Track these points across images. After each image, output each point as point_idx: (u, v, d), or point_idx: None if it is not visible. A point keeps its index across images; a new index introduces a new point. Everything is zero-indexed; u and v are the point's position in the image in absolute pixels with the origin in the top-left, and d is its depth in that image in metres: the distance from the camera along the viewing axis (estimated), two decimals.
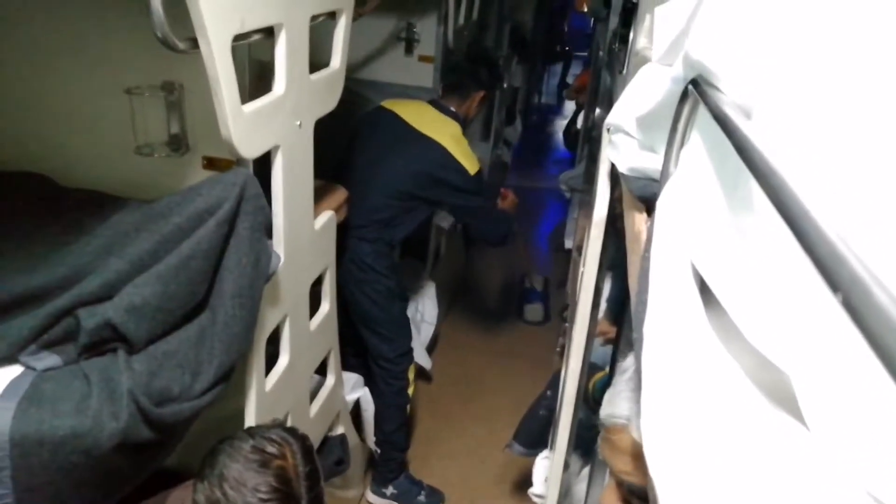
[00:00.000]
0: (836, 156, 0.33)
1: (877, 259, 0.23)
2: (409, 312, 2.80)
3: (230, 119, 1.18)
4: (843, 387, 0.35)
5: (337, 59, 1.65)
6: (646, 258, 0.55)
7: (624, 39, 1.94)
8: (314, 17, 1.46)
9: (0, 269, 1.24)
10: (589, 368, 1.50)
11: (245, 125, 1.24)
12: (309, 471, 1.17)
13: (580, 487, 1.51)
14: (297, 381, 1.75)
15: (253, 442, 1.15)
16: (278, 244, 1.48)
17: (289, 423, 1.64)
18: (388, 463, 2.66)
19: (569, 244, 3.55)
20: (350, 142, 2.46)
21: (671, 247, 0.52)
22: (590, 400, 1.58)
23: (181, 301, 1.20)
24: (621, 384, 0.81)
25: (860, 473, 0.32)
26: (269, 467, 1.13)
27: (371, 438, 2.64)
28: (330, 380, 2.05)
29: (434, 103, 2.53)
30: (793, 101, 0.38)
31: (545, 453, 1.92)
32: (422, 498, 2.71)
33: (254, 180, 1.30)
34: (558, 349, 2.82)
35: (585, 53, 7.11)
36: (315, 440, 1.94)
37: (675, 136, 0.61)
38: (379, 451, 2.65)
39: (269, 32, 1.31)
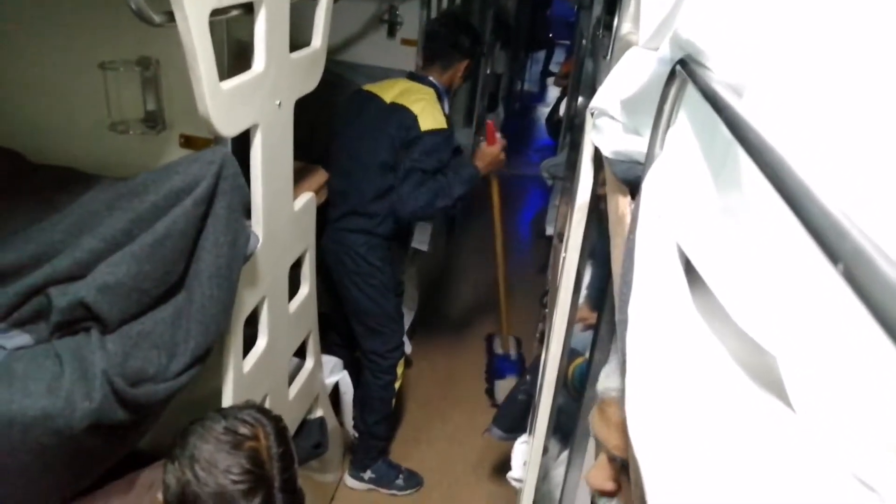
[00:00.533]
0: (829, 132, 0.33)
1: (872, 231, 0.22)
2: None
3: (208, 96, 1.15)
4: (830, 369, 0.34)
5: (318, 39, 1.62)
6: (630, 240, 0.54)
7: (608, 26, 1.94)
8: None
9: None
10: (569, 354, 1.50)
11: (223, 102, 1.22)
12: (282, 452, 1.15)
13: (558, 471, 1.52)
14: (275, 363, 1.74)
15: (225, 423, 1.13)
16: (257, 225, 1.46)
17: (267, 406, 1.62)
18: (369, 451, 2.66)
19: (550, 231, 3.56)
20: (331, 126, 2.43)
21: (657, 228, 0.52)
22: (569, 385, 1.58)
23: (156, 281, 1.18)
24: (615, 361, 0.82)
25: (846, 456, 0.32)
26: (241, 448, 1.10)
27: (349, 422, 2.63)
28: (309, 363, 2.03)
29: (410, 75, 2.51)
30: (785, 78, 0.37)
31: (524, 438, 1.93)
32: (400, 481, 2.71)
33: (232, 159, 1.28)
34: (538, 335, 2.83)
35: (568, 42, 7.10)
36: (293, 423, 1.93)
37: (661, 118, 0.60)
38: (357, 436, 2.65)
39: (248, 9, 1.28)
